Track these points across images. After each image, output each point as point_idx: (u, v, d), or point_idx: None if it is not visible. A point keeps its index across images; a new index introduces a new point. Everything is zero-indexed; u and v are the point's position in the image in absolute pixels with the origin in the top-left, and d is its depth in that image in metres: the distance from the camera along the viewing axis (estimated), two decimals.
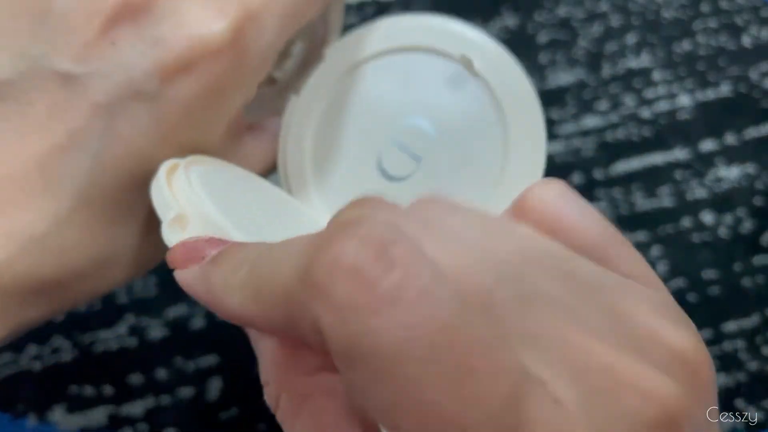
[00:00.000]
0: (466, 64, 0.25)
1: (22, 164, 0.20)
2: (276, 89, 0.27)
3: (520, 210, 0.19)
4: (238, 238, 0.19)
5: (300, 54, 0.28)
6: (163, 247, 0.21)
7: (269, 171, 0.26)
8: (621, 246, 0.18)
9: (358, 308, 0.13)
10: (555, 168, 0.42)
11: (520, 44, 0.47)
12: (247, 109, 0.26)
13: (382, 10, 0.48)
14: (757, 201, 0.41)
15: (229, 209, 0.21)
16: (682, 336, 0.16)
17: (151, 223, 0.22)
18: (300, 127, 0.25)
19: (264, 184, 0.25)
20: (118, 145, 0.21)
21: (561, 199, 0.19)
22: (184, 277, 0.18)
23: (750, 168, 0.42)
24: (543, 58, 0.46)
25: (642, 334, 0.15)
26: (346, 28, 0.27)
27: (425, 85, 0.25)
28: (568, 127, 0.43)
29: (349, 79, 0.26)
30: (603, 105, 0.44)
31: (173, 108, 0.21)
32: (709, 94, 0.45)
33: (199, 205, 0.20)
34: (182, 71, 0.20)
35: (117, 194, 0.21)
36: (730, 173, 0.42)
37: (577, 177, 0.42)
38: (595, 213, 0.19)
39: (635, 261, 0.18)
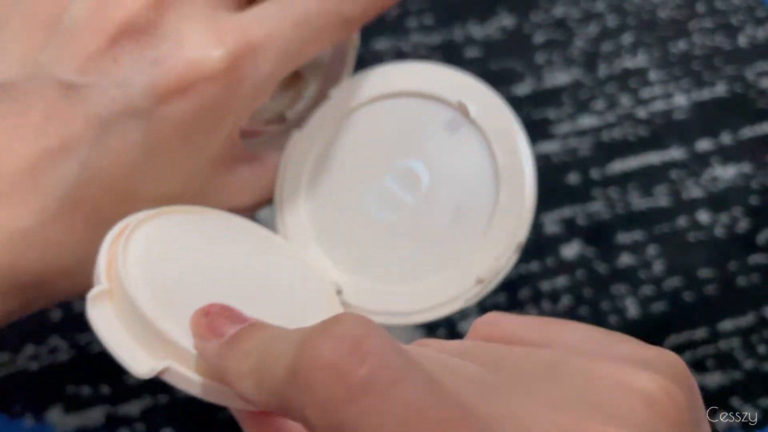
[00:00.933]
0: (463, 110, 0.26)
1: (14, 161, 0.21)
2: (284, 128, 0.28)
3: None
4: (162, 322, 0.19)
5: (312, 96, 0.29)
6: None
7: (262, 204, 0.27)
8: (559, 326, 0.19)
9: (336, 399, 0.14)
10: (552, 168, 0.42)
11: (516, 44, 0.47)
12: (252, 144, 0.27)
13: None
14: (753, 200, 0.41)
15: (166, 279, 0.21)
16: (645, 378, 0.16)
17: None
18: (299, 162, 0.26)
19: (244, 226, 0.25)
20: (107, 157, 0.22)
21: (500, 322, 0.19)
22: (203, 350, 0.19)
23: (746, 167, 0.42)
24: (539, 58, 0.46)
25: (606, 393, 0.16)
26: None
27: (422, 129, 0.26)
28: (565, 127, 0.44)
29: (351, 119, 0.27)
30: (599, 104, 0.44)
31: (165, 127, 0.22)
32: (705, 94, 0.45)
33: (124, 281, 0.20)
34: (177, 92, 0.21)
35: (101, 201, 0.22)
36: (725, 172, 0.42)
37: (573, 176, 0.42)
38: (527, 319, 0.19)
39: (575, 330, 0.19)
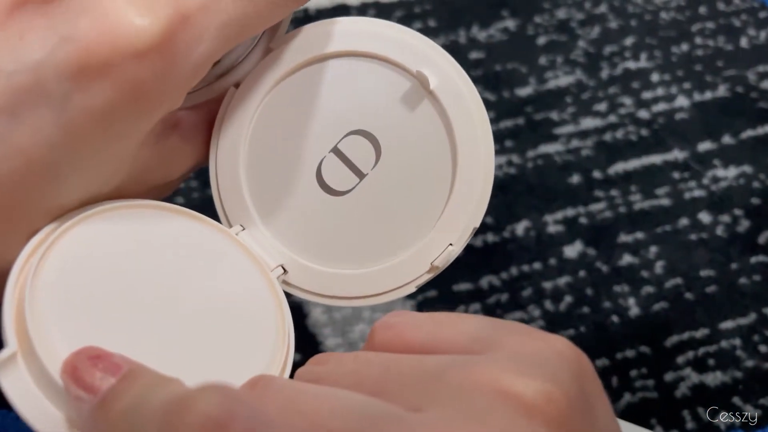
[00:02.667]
0: (423, 81, 0.23)
1: None
2: (216, 72, 0.24)
3: (371, 344, 0.20)
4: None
5: (249, 42, 0.24)
6: None
7: (195, 169, 0.24)
8: (449, 325, 0.19)
9: None
10: (554, 168, 0.42)
11: (519, 46, 0.47)
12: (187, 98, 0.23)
13: (382, 12, 0.49)
14: (754, 201, 0.42)
15: (83, 311, 0.19)
16: (523, 385, 0.16)
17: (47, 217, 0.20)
18: (236, 125, 0.23)
19: (179, 223, 0.22)
20: (16, 155, 0.18)
21: (398, 325, 0.19)
22: (78, 410, 0.17)
23: (747, 168, 0.43)
24: (542, 59, 0.47)
25: (485, 405, 0.16)
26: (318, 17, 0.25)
27: (376, 97, 0.23)
28: (567, 128, 0.44)
29: (295, 78, 0.23)
30: (602, 106, 0.45)
31: (84, 116, 0.18)
32: (707, 95, 0.45)
33: (34, 342, 0.18)
34: (98, 74, 0.17)
35: (10, 204, 0.19)
36: (727, 173, 0.42)
37: (576, 177, 0.42)
38: (421, 317, 0.19)
39: (465, 325, 0.19)
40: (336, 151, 0.23)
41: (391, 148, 0.23)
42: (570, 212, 0.41)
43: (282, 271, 0.24)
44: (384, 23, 0.24)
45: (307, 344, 0.35)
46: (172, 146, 0.22)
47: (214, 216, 0.24)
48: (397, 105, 0.23)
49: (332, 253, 0.24)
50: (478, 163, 0.23)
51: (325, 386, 0.17)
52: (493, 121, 0.44)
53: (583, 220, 0.41)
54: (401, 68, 0.23)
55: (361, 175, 0.23)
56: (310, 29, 0.23)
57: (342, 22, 0.24)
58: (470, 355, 0.17)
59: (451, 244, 0.23)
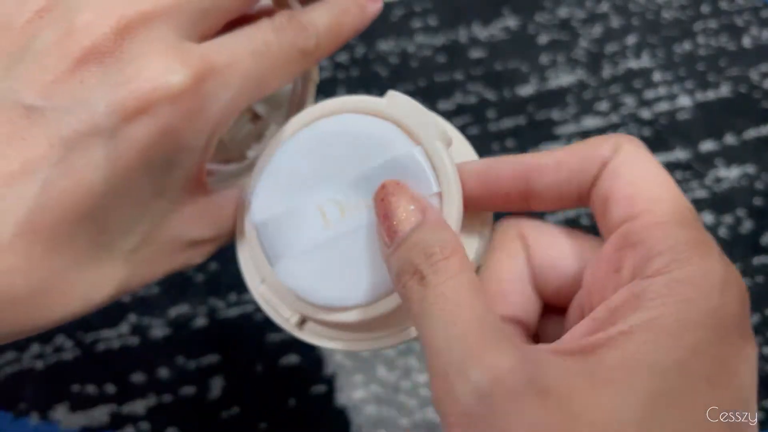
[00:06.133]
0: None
1: None
2: (245, 167, 0.28)
3: None
4: None
5: (272, 136, 0.28)
6: (99, 288, 0.23)
7: (221, 240, 0.26)
8: None
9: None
10: None
11: (521, 45, 0.47)
12: (212, 182, 0.27)
13: (383, 9, 0.49)
14: (757, 201, 0.41)
15: None
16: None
17: (89, 259, 0.23)
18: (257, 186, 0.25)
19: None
20: (69, 177, 0.21)
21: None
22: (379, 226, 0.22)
23: (750, 168, 0.42)
24: (544, 58, 0.46)
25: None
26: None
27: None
28: (569, 128, 0.44)
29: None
30: (603, 105, 0.44)
31: (129, 146, 0.22)
32: (709, 95, 0.45)
33: None
34: (141, 111, 0.21)
35: (60, 225, 0.22)
36: (730, 173, 0.42)
37: None
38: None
39: None
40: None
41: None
42: (571, 212, 0.41)
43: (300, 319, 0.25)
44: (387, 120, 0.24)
45: None
46: (204, 207, 0.25)
47: None
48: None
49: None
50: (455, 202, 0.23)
51: None
52: (494, 121, 0.44)
53: (584, 221, 0.40)
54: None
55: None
56: (314, 106, 0.25)
57: (338, 99, 0.25)
58: None
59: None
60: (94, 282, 0.23)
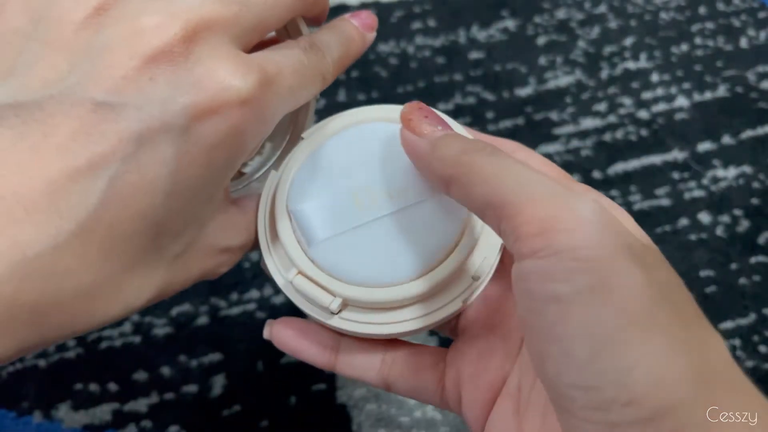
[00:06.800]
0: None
1: (30, 183, 0.20)
2: (242, 182, 0.30)
3: None
4: None
5: (268, 153, 0.31)
6: (141, 293, 0.23)
7: (247, 246, 0.28)
8: None
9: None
10: None
11: (519, 46, 0.47)
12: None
13: (382, 12, 0.49)
14: (754, 201, 0.42)
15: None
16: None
17: (139, 263, 0.23)
18: (279, 197, 0.27)
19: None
20: (137, 172, 0.22)
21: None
22: (412, 140, 0.24)
23: (747, 168, 0.43)
24: (542, 59, 0.47)
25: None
26: None
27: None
28: (567, 128, 0.44)
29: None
30: (601, 106, 0.45)
31: (197, 144, 0.22)
32: (707, 96, 0.45)
33: None
34: (213, 112, 0.22)
35: (120, 225, 0.22)
36: (727, 173, 0.42)
37: (575, 177, 0.42)
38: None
39: None
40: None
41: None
42: None
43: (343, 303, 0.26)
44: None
45: None
46: (234, 216, 0.27)
47: None
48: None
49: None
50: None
51: None
52: (492, 122, 0.44)
53: None
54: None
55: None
56: (325, 120, 0.28)
57: (350, 111, 0.28)
58: None
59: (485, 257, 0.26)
60: (140, 287, 0.23)
